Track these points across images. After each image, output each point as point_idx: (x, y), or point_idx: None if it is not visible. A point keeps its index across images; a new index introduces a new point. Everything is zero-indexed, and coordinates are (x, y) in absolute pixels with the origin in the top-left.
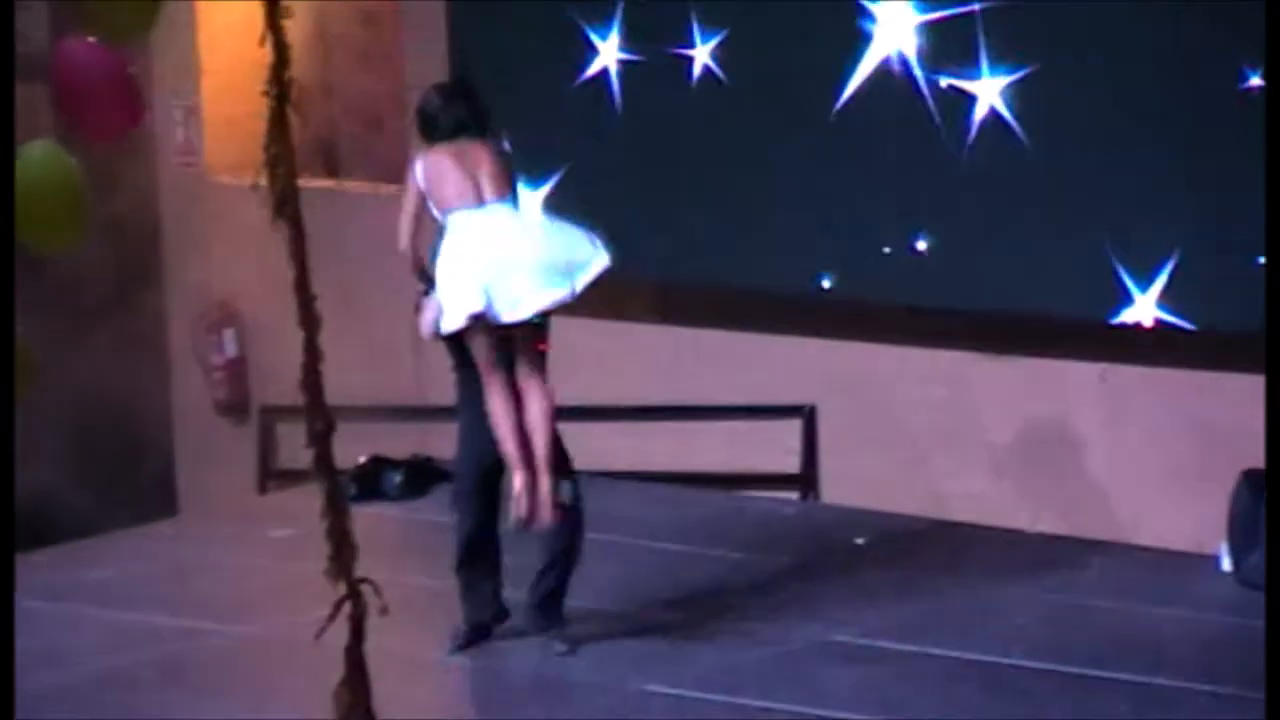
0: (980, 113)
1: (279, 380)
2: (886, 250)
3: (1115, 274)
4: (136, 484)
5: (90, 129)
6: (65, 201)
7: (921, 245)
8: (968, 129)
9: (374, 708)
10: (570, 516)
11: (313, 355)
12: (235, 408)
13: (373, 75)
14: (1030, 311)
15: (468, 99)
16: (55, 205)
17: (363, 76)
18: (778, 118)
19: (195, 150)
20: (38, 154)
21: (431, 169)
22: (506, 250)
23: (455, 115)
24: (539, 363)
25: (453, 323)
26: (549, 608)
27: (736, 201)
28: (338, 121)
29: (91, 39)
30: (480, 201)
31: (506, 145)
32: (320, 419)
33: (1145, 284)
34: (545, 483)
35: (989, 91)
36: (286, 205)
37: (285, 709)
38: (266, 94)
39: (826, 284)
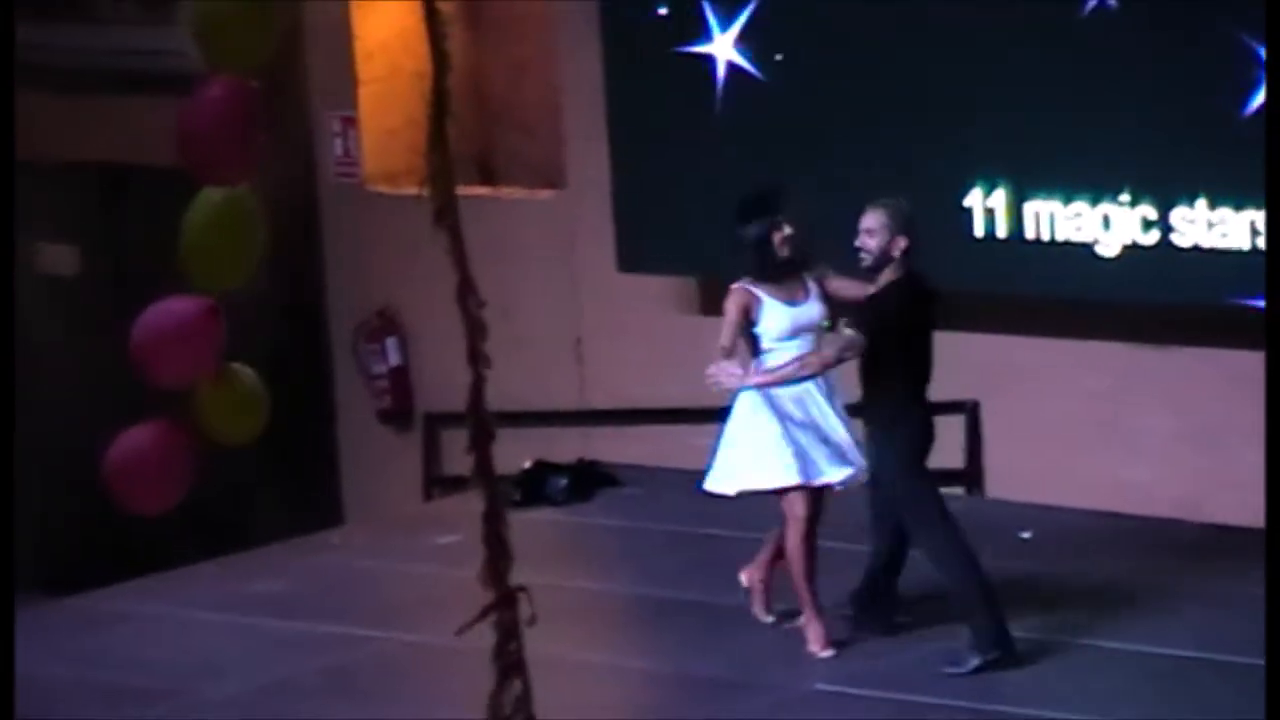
0: None
1: (441, 387)
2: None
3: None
4: (302, 494)
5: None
6: (241, 246)
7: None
8: None
9: (534, 712)
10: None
11: (476, 362)
12: (399, 416)
13: (526, 82)
14: (1185, 302)
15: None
16: (229, 248)
17: (516, 84)
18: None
19: (354, 161)
20: (219, 198)
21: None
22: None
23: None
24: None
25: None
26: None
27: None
28: (492, 130)
29: (219, 84)
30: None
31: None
32: (482, 426)
33: None
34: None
35: None
36: (446, 214)
37: (453, 716)
38: (428, 110)
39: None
